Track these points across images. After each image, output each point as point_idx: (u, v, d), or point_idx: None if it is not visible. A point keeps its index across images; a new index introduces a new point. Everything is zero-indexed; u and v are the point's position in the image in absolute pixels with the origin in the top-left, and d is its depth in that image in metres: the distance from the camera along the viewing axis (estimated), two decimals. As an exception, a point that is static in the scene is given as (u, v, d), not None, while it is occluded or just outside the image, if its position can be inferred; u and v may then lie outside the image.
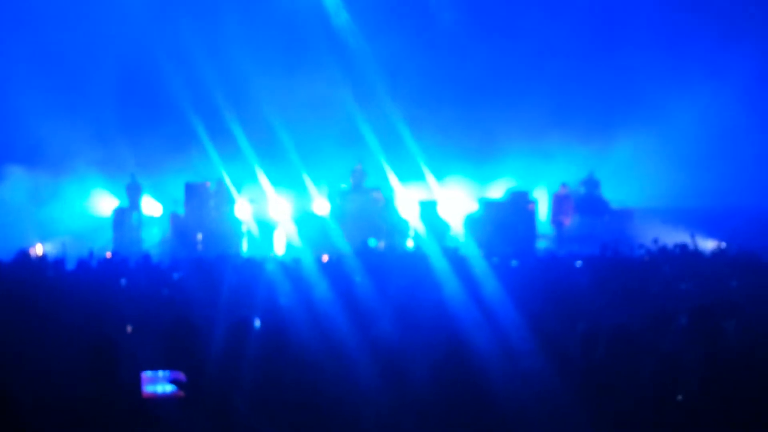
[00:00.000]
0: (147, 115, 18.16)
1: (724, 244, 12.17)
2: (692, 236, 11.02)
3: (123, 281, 9.28)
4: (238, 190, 16.52)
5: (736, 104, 17.71)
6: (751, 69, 18.16)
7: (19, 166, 16.88)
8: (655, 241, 11.47)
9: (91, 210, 17.99)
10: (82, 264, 10.40)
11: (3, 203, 16.16)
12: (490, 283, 8.86)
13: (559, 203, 15.74)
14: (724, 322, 5.74)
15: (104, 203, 18.05)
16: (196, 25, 18.95)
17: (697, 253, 10.79)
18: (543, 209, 17.17)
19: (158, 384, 3.98)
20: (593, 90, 19.08)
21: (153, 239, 16.95)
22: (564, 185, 15.86)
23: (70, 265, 10.55)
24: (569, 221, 16.06)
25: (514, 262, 10.27)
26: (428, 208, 16.51)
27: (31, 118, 17.13)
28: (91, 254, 11.04)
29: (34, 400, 4.31)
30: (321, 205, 17.39)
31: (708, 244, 12.47)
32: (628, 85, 19.13)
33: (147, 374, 4.02)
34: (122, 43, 18.23)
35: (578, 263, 10.15)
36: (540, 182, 18.63)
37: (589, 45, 19.41)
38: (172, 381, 3.93)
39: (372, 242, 13.53)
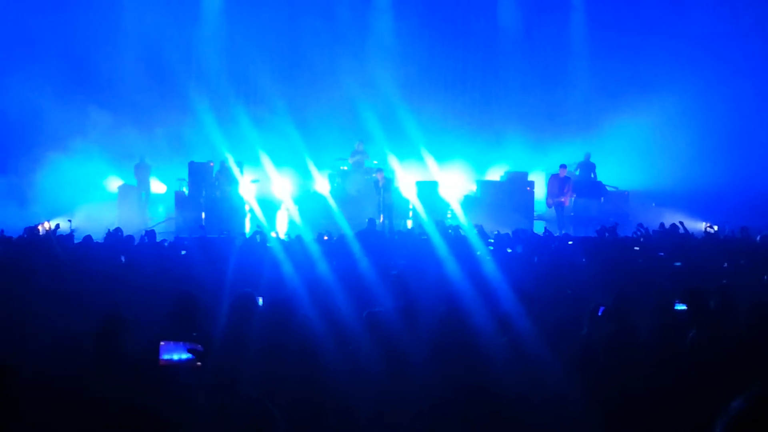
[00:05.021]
0: (152, 95, 18.23)
1: (716, 227, 12.31)
2: (681, 223, 11.13)
3: (127, 257, 9.42)
4: (241, 170, 16.62)
5: (729, 88, 17.79)
6: (745, 54, 18.27)
7: (31, 145, 16.97)
8: (642, 225, 11.61)
9: (99, 188, 18.09)
10: (88, 240, 10.57)
11: (13, 181, 16.33)
12: (487, 262, 9.05)
13: (560, 185, 15.70)
14: (714, 302, 5.91)
15: (111, 182, 18.20)
16: (200, 11, 19.14)
17: (689, 235, 10.93)
18: (540, 191, 17.27)
19: (175, 353, 4.02)
20: (590, 77, 19.31)
21: (158, 217, 17.10)
22: (564, 166, 15.83)
23: (77, 241, 10.72)
24: (569, 202, 16.09)
25: (509, 250, 10.39)
26: (428, 189, 16.61)
27: (42, 100, 17.19)
28: (101, 231, 11.19)
29: (43, 374, 4.34)
30: (322, 185, 17.52)
31: (700, 226, 12.63)
32: (622, 70, 19.31)
33: (164, 343, 4.06)
34: (129, 30, 18.40)
35: (570, 242, 10.30)
36: (538, 166, 18.77)
37: (585, 36, 19.69)
38: (190, 350, 3.99)
39: (372, 221, 13.60)
